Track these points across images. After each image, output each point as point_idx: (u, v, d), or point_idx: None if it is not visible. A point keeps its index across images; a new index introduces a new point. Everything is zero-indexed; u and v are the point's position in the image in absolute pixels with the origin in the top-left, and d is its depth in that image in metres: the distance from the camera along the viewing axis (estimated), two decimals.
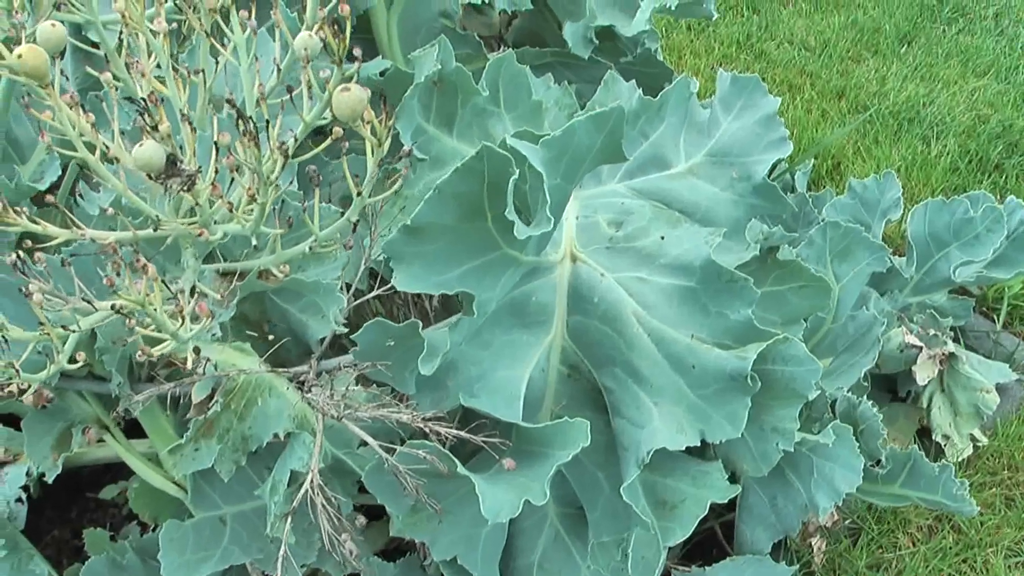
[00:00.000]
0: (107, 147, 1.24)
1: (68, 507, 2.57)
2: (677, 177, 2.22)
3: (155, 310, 1.13)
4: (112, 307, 1.21)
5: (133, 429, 2.15)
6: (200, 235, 1.23)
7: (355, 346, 1.73)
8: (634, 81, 2.28)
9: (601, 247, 2.04)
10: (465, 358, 1.89)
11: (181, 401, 2.02)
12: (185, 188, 1.20)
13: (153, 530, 2.15)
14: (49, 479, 1.98)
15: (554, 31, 2.69)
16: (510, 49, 2.59)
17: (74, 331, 1.34)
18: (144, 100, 1.18)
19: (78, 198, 1.52)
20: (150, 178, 1.18)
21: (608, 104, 2.24)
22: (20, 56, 1.18)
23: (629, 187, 2.21)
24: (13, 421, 2.19)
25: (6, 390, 1.48)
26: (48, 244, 1.31)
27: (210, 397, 1.83)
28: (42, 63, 1.18)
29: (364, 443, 1.73)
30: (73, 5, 1.43)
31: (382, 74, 2.17)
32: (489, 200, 1.72)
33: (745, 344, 1.83)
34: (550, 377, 1.99)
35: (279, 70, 1.41)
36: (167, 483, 2.07)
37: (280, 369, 1.84)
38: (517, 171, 1.68)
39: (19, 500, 2.17)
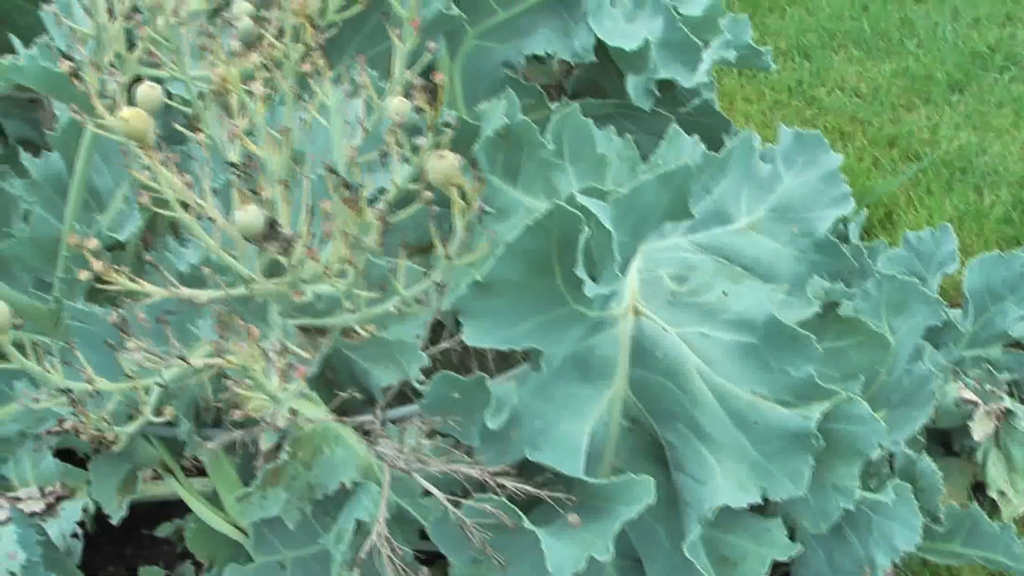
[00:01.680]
0: (201, 206, 1.26)
1: (123, 543, 2.58)
2: (739, 232, 2.23)
3: (258, 372, 1.15)
4: (203, 366, 1.23)
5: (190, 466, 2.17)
6: (296, 296, 1.25)
7: (417, 395, 1.75)
8: (697, 136, 2.29)
9: (664, 302, 2.05)
10: (529, 411, 1.90)
11: (237, 441, 2.04)
12: (283, 252, 1.22)
13: (208, 569, 2.16)
14: (115, 521, 2.00)
15: (613, 82, 2.70)
16: (571, 101, 2.62)
17: (159, 384, 1.36)
18: (244, 165, 1.20)
19: (166, 253, 1.54)
20: (247, 240, 1.20)
21: (671, 159, 2.26)
22: (125, 119, 1.20)
23: (691, 241, 2.22)
24: (69, 455, 2.21)
25: (64, 426, 1.50)
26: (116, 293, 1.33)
27: (278, 446, 1.84)
28: (145, 126, 1.21)
29: (426, 493, 1.74)
30: (165, 63, 1.46)
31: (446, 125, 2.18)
32: (559, 257, 1.74)
33: (806, 400, 1.83)
34: (611, 430, 2.00)
35: (365, 131, 1.43)
36: (226, 525, 2.09)
37: (346, 419, 1.86)
38: (588, 229, 1.70)
39: (75, 535, 2.19)
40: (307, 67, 1.29)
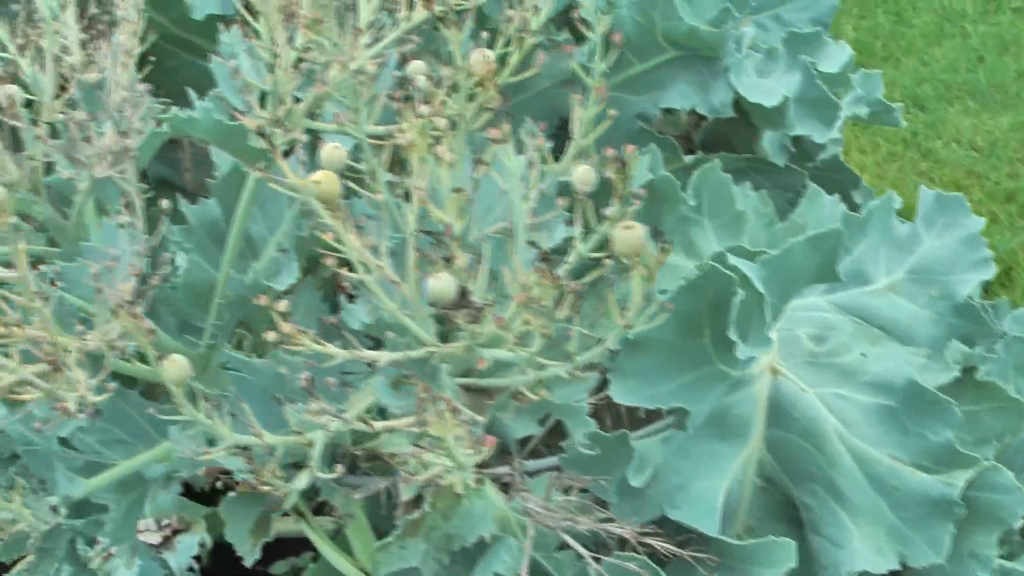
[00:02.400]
0: (380, 268, 1.27)
1: None
2: (877, 293, 2.21)
3: (452, 442, 1.16)
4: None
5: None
6: (480, 365, 1.26)
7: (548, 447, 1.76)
8: (837, 196, 2.28)
9: (802, 361, 2.05)
10: (667, 467, 1.90)
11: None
12: (472, 320, 1.22)
13: None
14: (248, 563, 2.01)
15: (743, 135, 2.70)
16: (704, 155, 2.62)
17: (325, 433, 1.37)
18: (440, 233, 1.20)
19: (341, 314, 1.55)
20: (437, 308, 1.20)
21: (810, 218, 2.25)
22: (317, 182, 1.21)
23: (829, 301, 2.21)
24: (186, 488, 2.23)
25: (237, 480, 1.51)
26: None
27: (418, 497, 1.85)
28: (336, 189, 1.22)
29: (562, 547, 1.74)
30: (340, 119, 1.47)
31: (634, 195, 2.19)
32: (709, 317, 1.74)
33: (945, 466, 1.82)
34: (746, 489, 1.99)
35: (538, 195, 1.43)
36: (354, 569, 2.10)
37: (486, 470, 1.86)
38: (742, 292, 1.70)
39: (191, 569, 2.20)
40: (494, 133, 1.28)
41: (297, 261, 1.75)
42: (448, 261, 1.21)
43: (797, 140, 2.59)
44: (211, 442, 1.61)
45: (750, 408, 1.99)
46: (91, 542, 1.93)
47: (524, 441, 2.09)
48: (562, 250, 1.46)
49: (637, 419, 2.25)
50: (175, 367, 1.30)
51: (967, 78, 4.99)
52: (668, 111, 2.67)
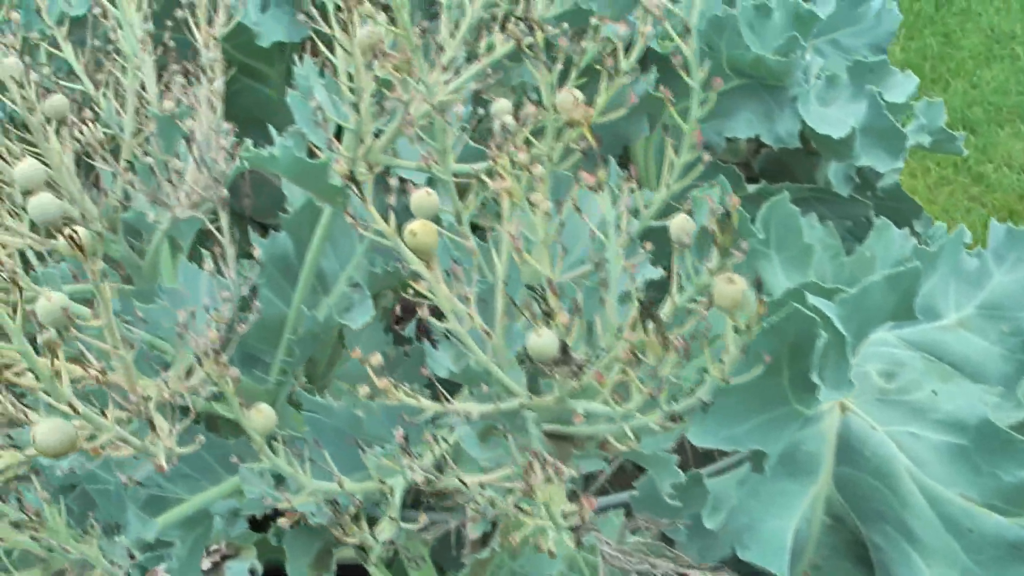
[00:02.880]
0: (472, 318, 1.24)
1: None
2: (947, 329, 2.18)
3: (555, 504, 1.13)
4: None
5: None
6: (576, 420, 1.23)
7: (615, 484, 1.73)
8: (907, 230, 2.25)
9: (872, 398, 2.02)
10: (737, 507, 1.87)
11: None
12: (572, 376, 1.19)
13: None
14: None
15: (804, 164, 2.67)
16: (768, 184, 2.59)
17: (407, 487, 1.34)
18: (543, 288, 1.17)
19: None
20: (529, 360, 1.18)
21: (879, 251, 2.22)
22: (414, 233, 1.18)
23: (899, 337, 2.18)
24: None
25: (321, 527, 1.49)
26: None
27: (485, 535, 1.83)
28: (434, 241, 1.19)
29: None
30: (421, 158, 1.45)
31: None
32: (789, 358, 1.72)
33: (1018, 507, 1.80)
34: (814, 528, 1.97)
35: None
36: None
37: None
38: (824, 334, 1.67)
39: None
40: (590, 179, 1.25)
41: (371, 299, 1.72)
42: (548, 316, 1.18)
43: (860, 169, 2.55)
44: (280, 479, 1.59)
45: (819, 445, 1.96)
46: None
47: (588, 476, 2.05)
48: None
49: (700, 452, 2.23)
50: (261, 417, 1.28)
51: (1017, 101, 4.93)
52: (729, 139, 2.65)
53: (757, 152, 2.82)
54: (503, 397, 1.32)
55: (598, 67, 1.83)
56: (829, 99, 2.52)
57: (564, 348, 1.18)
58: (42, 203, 1.13)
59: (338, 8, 1.38)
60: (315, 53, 1.89)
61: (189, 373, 1.44)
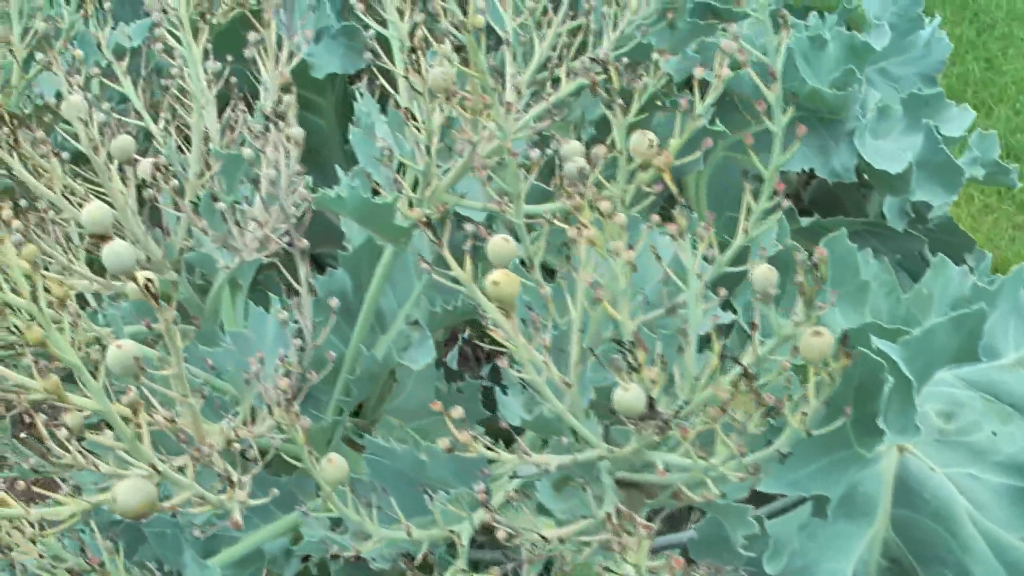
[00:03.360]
0: (548, 367, 1.22)
1: None
2: (1006, 368, 2.15)
3: (641, 560, 1.10)
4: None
5: None
6: (660, 475, 1.20)
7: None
8: (965, 267, 2.22)
9: (930, 439, 1.99)
10: (795, 550, 1.84)
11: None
12: (658, 432, 1.16)
13: None
14: None
15: (855, 196, 2.64)
16: (818, 217, 2.56)
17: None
18: (631, 343, 1.15)
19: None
20: (613, 413, 1.15)
21: (936, 289, 2.19)
22: (496, 283, 1.16)
23: (957, 376, 2.14)
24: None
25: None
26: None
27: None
28: (516, 291, 1.17)
29: None
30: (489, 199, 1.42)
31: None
32: (854, 402, 1.69)
33: None
34: (870, 569, 1.94)
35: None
36: None
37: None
38: (891, 378, 1.65)
39: None
40: (673, 229, 1.23)
41: (431, 339, 1.70)
42: (635, 370, 1.16)
43: (913, 203, 2.52)
44: (338, 521, 1.57)
45: (876, 486, 1.93)
46: None
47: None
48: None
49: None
50: (334, 468, 1.26)
51: None
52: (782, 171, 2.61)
53: (807, 183, 2.79)
54: (580, 448, 1.29)
55: (658, 103, 1.81)
56: (882, 131, 2.49)
57: (651, 403, 1.16)
58: (117, 251, 1.11)
59: (412, 50, 1.36)
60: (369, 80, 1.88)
61: (254, 417, 1.41)
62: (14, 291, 0.97)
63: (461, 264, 1.23)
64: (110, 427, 1.13)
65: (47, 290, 0.99)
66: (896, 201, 2.48)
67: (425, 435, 1.97)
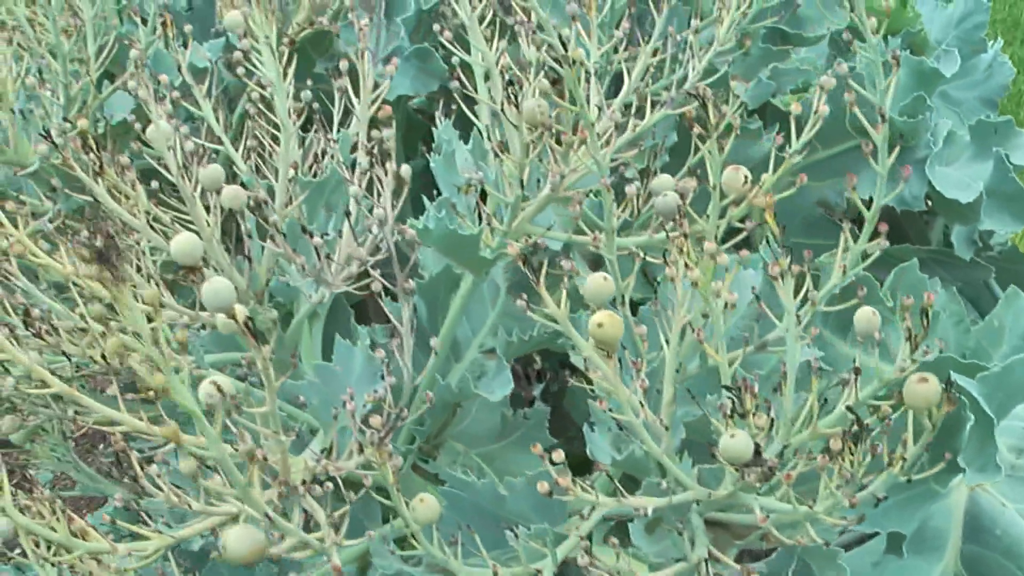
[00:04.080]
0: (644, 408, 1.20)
1: None
2: None
3: None
4: None
5: None
6: (761, 522, 1.18)
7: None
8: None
9: (1002, 474, 1.96)
10: None
11: None
12: (763, 478, 1.14)
13: None
14: None
15: (918, 223, 2.61)
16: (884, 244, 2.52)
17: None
18: (737, 389, 1.13)
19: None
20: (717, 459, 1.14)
21: (1007, 320, 2.16)
22: (600, 325, 1.14)
23: None
24: None
25: None
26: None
27: None
28: (619, 333, 1.15)
29: None
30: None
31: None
32: (933, 438, 1.67)
33: None
34: None
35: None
36: None
37: None
38: (971, 415, 1.63)
39: None
40: (774, 269, 1.21)
41: (508, 369, 1.68)
42: (742, 416, 1.14)
43: (981, 232, 2.49)
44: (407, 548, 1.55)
45: (946, 521, 1.90)
46: None
47: None
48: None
49: None
50: (425, 508, 1.24)
51: None
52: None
53: (869, 208, 2.76)
54: (675, 490, 1.27)
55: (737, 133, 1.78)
56: (948, 158, 2.45)
57: (758, 451, 1.14)
58: (217, 289, 1.09)
59: (510, 83, 1.34)
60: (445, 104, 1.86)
61: (334, 450, 1.40)
62: (135, 334, 0.95)
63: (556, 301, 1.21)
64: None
65: (167, 337, 0.97)
66: (964, 230, 2.45)
67: (490, 461, 1.95)
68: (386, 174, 1.42)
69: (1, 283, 1.58)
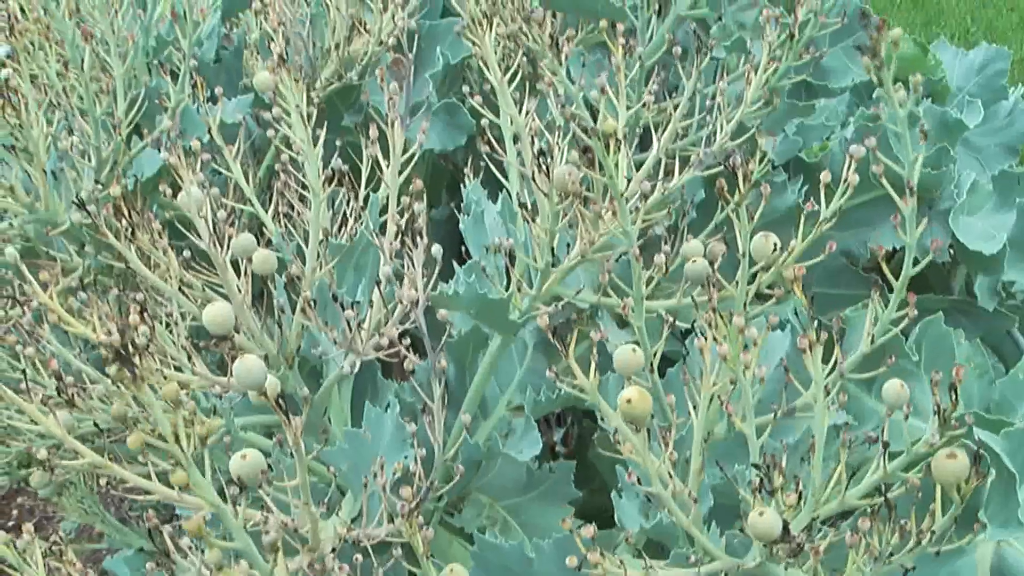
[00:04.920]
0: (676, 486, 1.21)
1: None
2: None
3: None
4: None
5: None
6: None
7: None
8: None
9: None
10: None
11: None
12: (791, 555, 1.15)
13: None
14: None
15: (940, 273, 2.61)
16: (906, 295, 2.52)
17: None
18: (767, 466, 1.13)
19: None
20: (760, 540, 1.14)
21: None
22: (629, 400, 1.14)
23: None
24: None
25: None
26: None
27: None
28: (648, 408, 1.15)
29: None
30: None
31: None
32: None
33: None
34: None
35: None
36: None
37: None
38: (993, 471, 1.63)
39: None
40: (802, 339, 1.21)
41: (537, 429, 1.68)
42: (770, 493, 1.14)
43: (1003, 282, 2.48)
44: None
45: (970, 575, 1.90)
46: None
47: None
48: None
49: None
50: None
51: None
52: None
53: (890, 258, 2.75)
54: (704, 560, 1.27)
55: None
56: (972, 208, 2.45)
57: (786, 527, 1.14)
58: (250, 367, 1.10)
59: (541, 153, 1.35)
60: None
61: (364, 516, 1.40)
62: (160, 436, 0.96)
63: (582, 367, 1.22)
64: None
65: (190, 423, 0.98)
66: (987, 280, 2.44)
67: (516, 514, 1.95)
68: (416, 246, 1.43)
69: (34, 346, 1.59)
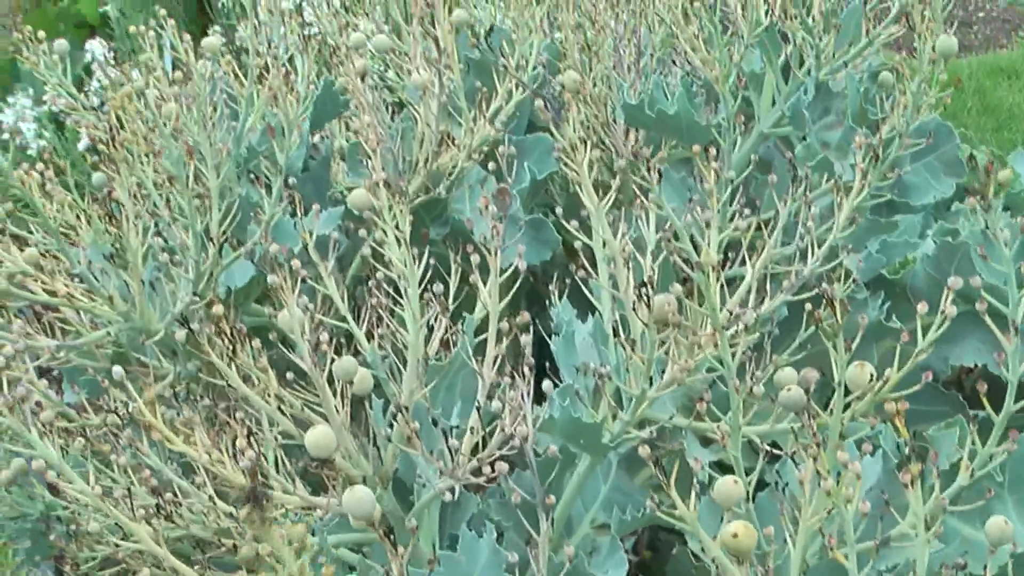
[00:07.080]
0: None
1: None
2: None
3: None
4: None
5: None
6: None
7: None
8: None
9: None
10: None
11: None
12: None
13: None
14: None
15: (1021, 389, 2.58)
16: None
17: None
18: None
19: None
20: None
21: None
22: (735, 535, 1.15)
23: None
24: None
25: None
26: None
27: None
28: (753, 543, 1.15)
29: None
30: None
31: None
32: None
33: None
34: None
35: None
36: None
37: None
38: None
39: None
40: (904, 474, 1.21)
41: (623, 549, 1.68)
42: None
43: None
44: None
45: None
46: None
47: None
48: None
49: None
50: None
51: None
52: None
53: (969, 371, 2.74)
54: None
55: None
56: None
57: None
58: (360, 498, 1.12)
59: (642, 284, 1.36)
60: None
61: None
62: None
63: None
64: None
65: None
66: None
67: None
68: (523, 377, 1.44)
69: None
